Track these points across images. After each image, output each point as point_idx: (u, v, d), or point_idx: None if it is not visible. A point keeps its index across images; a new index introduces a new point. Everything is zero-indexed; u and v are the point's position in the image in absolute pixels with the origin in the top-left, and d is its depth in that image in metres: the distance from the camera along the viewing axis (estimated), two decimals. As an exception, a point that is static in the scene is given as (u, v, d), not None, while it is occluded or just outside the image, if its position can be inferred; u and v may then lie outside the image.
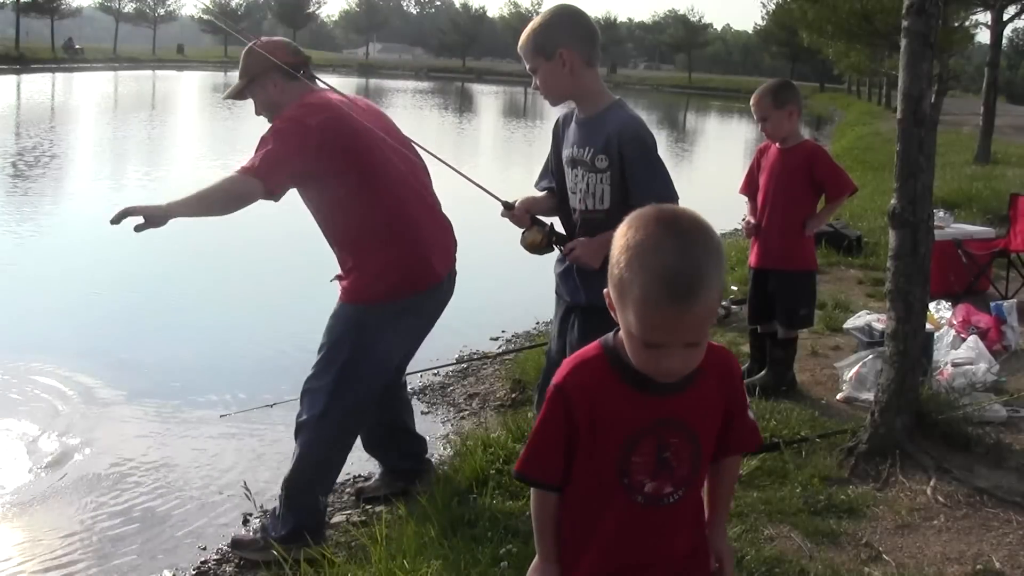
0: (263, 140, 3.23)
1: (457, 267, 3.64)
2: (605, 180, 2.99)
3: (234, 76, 3.68)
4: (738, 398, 1.76)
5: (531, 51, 3.06)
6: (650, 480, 1.67)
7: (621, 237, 1.54)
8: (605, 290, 1.59)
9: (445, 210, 3.63)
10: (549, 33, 3.03)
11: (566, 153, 3.14)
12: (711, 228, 1.55)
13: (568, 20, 3.06)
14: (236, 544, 3.57)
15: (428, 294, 3.47)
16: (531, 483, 1.76)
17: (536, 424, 1.73)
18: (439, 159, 3.48)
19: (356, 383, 3.40)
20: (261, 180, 3.14)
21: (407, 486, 3.87)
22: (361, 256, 3.40)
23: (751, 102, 4.68)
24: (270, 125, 3.34)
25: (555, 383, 1.68)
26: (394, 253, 3.37)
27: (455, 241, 3.63)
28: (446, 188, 3.73)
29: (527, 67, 3.10)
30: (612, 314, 1.60)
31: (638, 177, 2.95)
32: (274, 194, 3.21)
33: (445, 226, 3.60)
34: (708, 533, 1.82)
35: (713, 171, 20.26)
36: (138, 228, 3.03)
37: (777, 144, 4.68)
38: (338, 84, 3.71)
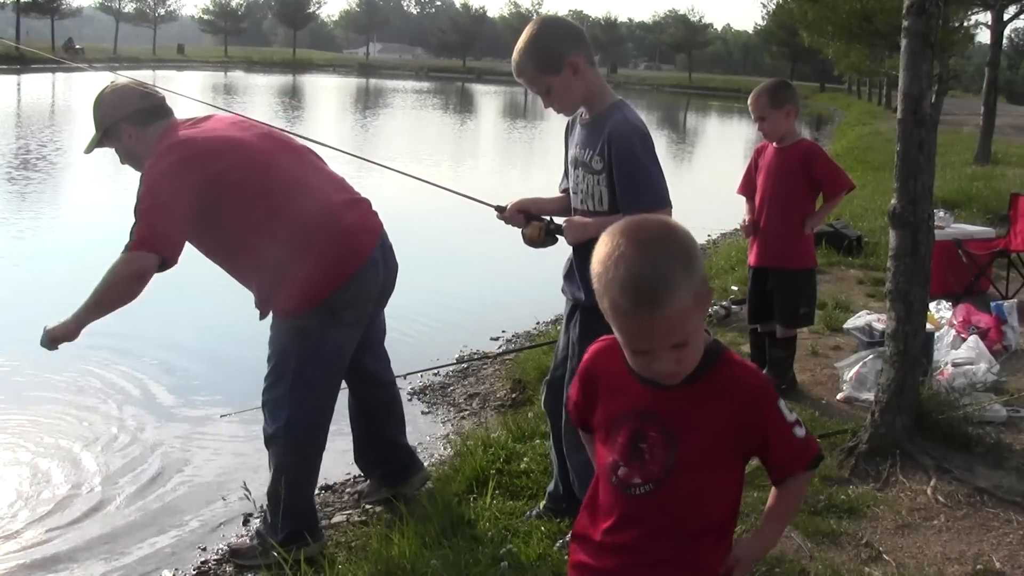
0: (142, 211, 3.11)
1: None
2: (602, 182, 2.98)
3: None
4: (768, 422, 1.69)
5: (536, 72, 2.96)
6: (624, 465, 1.70)
7: (596, 253, 1.57)
8: None
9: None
10: (548, 47, 2.94)
11: (571, 154, 3.13)
12: (677, 230, 1.57)
13: (558, 28, 3.01)
14: (235, 553, 3.56)
15: (361, 275, 3.31)
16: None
17: None
18: (426, 182, 3.45)
19: (312, 387, 3.35)
20: (154, 252, 3.06)
21: (392, 489, 3.84)
22: (280, 277, 3.27)
23: (748, 102, 4.69)
24: (141, 185, 3.21)
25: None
26: (311, 256, 3.22)
27: (373, 212, 3.48)
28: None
29: (533, 91, 3.00)
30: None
31: (617, 178, 2.93)
32: (170, 261, 3.11)
33: (356, 200, 3.46)
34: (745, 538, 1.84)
35: (713, 171, 20.26)
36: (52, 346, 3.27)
37: (774, 143, 4.70)
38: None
